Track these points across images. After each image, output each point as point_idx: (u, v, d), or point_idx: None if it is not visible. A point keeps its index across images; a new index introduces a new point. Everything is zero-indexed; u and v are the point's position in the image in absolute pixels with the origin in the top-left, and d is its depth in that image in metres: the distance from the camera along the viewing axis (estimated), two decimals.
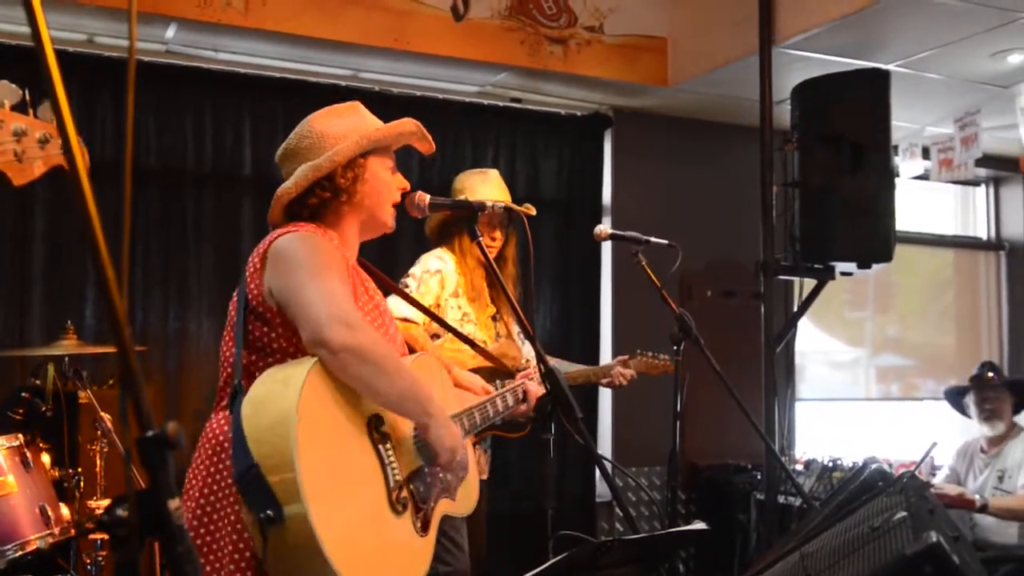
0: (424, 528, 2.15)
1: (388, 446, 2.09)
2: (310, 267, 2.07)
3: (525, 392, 2.74)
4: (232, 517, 1.98)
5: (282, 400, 1.88)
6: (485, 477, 3.59)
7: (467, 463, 2.41)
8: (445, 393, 2.42)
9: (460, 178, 3.73)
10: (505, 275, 3.59)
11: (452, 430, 2.14)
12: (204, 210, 4.69)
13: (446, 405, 2.32)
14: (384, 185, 2.32)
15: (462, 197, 3.54)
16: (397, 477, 2.08)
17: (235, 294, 2.21)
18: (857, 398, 6.69)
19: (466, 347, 3.05)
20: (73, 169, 1.08)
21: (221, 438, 2.04)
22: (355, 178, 2.25)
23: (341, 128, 2.27)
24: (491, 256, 3.49)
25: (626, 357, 3.80)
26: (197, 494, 2.06)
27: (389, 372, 2.01)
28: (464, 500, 2.40)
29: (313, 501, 1.81)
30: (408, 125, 2.35)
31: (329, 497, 1.87)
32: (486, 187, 3.62)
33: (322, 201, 2.23)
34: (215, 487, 2.03)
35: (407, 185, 2.40)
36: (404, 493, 2.09)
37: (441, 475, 2.27)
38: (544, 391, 2.38)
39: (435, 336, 3.39)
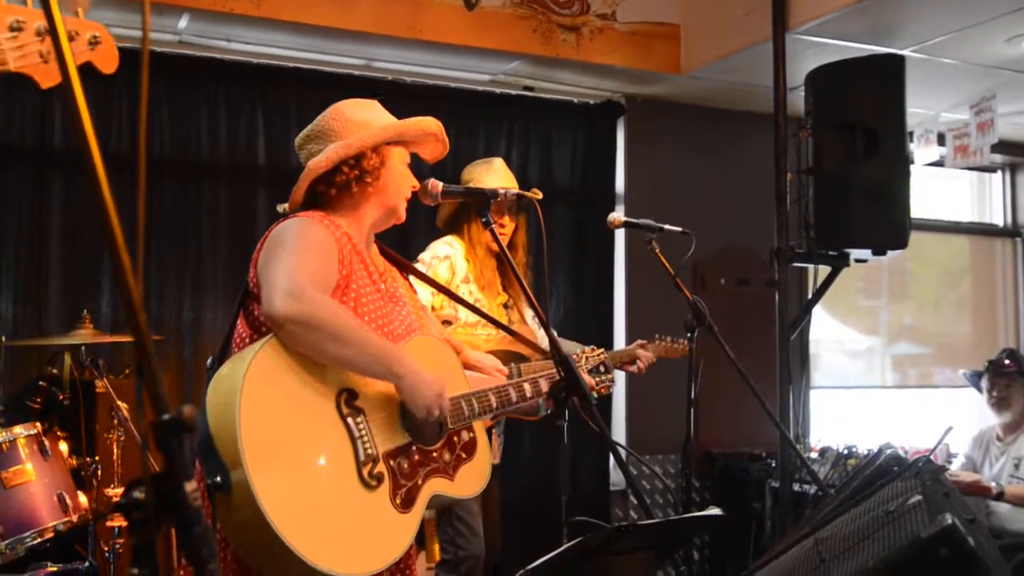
0: (406, 504, 2.13)
1: (360, 420, 2.09)
2: (285, 247, 2.13)
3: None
4: None
5: (235, 373, 1.94)
6: (497, 462, 3.60)
7: (474, 446, 2.40)
8: (450, 375, 2.36)
9: (466, 170, 3.78)
10: (516, 262, 3.61)
11: (427, 389, 2.12)
12: (218, 200, 4.71)
13: (450, 387, 2.29)
14: (402, 177, 2.39)
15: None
16: (369, 451, 2.07)
17: None
18: (872, 386, 6.66)
19: (479, 332, 3.06)
20: (88, 158, 1.09)
21: None
22: (380, 163, 2.32)
23: (366, 117, 2.36)
24: (502, 241, 3.50)
25: (644, 341, 3.80)
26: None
27: (342, 338, 2.03)
28: (468, 481, 2.35)
29: (255, 466, 1.84)
30: (431, 124, 2.41)
31: (276, 463, 1.90)
32: (492, 176, 3.66)
33: (347, 180, 2.28)
34: None
35: (416, 184, 2.46)
36: (379, 468, 2.08)
37: (435, 454, 2.26)
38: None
39: (447, 322, 3.40)
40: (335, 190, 2.29)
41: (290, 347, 2.01)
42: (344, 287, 2.18)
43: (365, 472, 2.05)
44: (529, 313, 3.67)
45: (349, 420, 2.06)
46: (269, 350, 1.99)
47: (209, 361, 2.17)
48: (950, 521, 1.32)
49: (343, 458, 2.02)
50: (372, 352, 2.08)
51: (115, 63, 1.42)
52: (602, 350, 3.34)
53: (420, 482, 2.19)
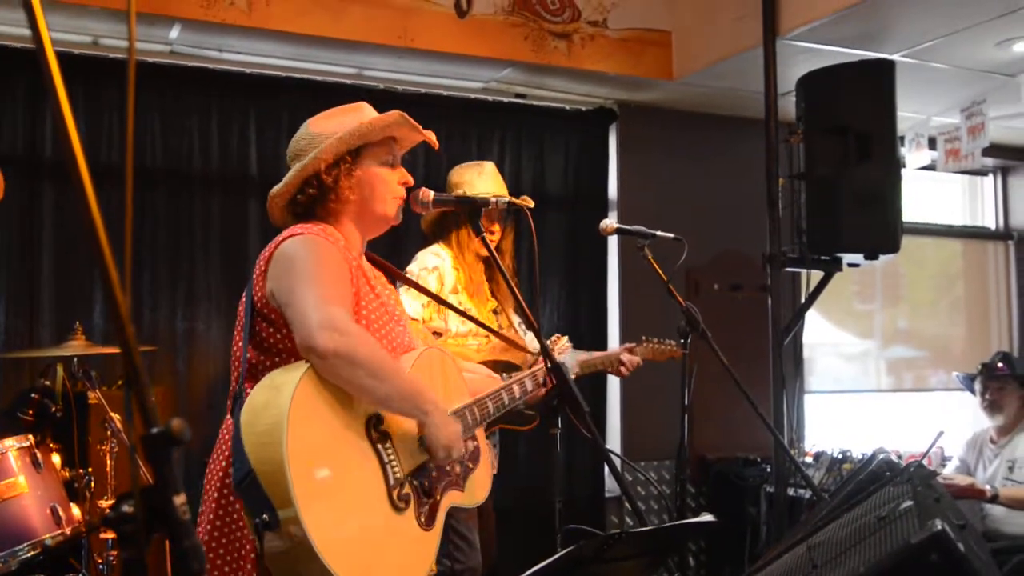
0: (429, 520, 2.17)
1: (388, 445, 2.11)
2: (305, 271, 2.10)
3: (546, 377, 2.72)
4: None
5: (275, 407, 1.92)
6: (494, 472, 3.60)
7: (478, 454, 2.42)
8: (451, 386, 2.41)
9: (456, 172, 3.71)
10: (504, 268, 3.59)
11: (447, 429, 2.15)
12: (210, 211, 4.70)
13: (452, 398, 2.33)
14: (377, 181, 2.32)
15: (460, 191, 3.55)
16: (398, 475, 2.10)
17: (243, 295, 2.23)
18: (867, 390, 6.67)
19: (470, 342, 3.05)
20: (75, 171, 1.09)
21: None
22: (340, 176, 2.27)
23: (335, 127, 2.30)
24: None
25: (632, 344, 3.79)
26: (216, 494, 2.09)
27: (379, 374, 2.03)
28: (474, 491, 2.41)
29: (305, 504, 1.84)
30: (391, 116, 2.34)
31: (323, 499, 1.90)
32: (483, 180, 3.61)
33: (311, 199, 2.27)
34: (230, 493, 2.06)
35: (410, 180, 2.41)
36: (406, 490, 2.11)
37: (448, 467, 2.29)
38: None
39: (437, 334, 3.39)
40: (302, 210, 2.28)
41: (326, 378, 2.00)
42: (356, 307, 2.18)
43: (395, 495, 2.08)
44: (517, 319, 3.67)
45: (378, 446, 2.09)
46: (309, 381, 1.98)
47: (239, 388, 2.14)
48: (940, 527, 1.32)
49: (377, 485, 2.05)
50: (402, 390, 2.09)
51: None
52: (565, 338, 3.33)
53: (439, 497, 2.23)
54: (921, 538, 1.33)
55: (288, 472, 1.83)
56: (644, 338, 3.81)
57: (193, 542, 1.12)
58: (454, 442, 2.17)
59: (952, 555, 1.32)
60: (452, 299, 3.48)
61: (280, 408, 1.90)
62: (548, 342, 3.11)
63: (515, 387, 2.59)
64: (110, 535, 3.52)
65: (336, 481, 1.96)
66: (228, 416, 2.18)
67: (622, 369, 3.73)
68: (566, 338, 3.33)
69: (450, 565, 3.38)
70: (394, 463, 2.10)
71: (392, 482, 2.08)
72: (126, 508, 1.11)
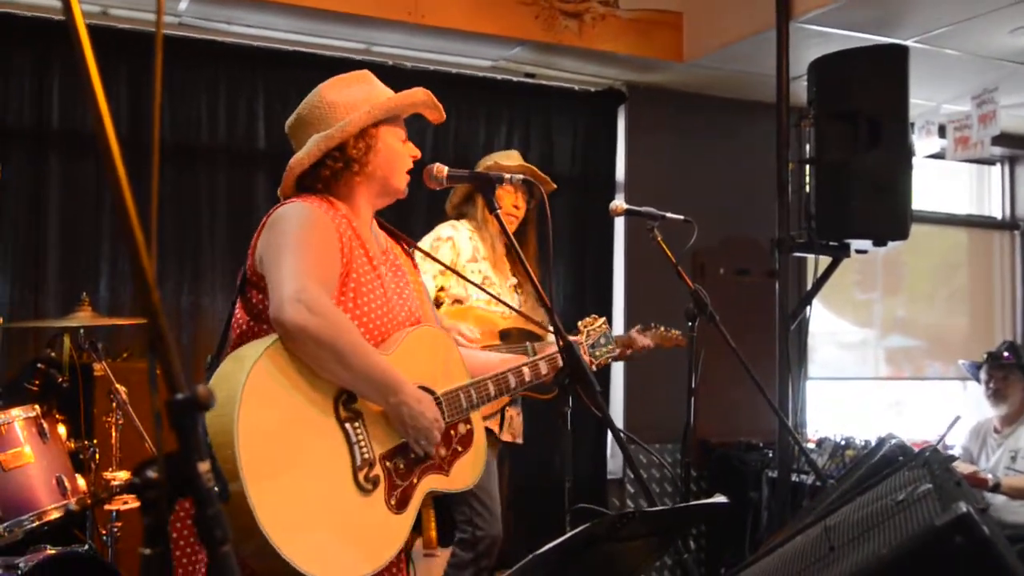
0: (401, 504, 2.12)
1: (357, 424, 2.07)
2: (290, 240, 2.08)
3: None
4: None
5: (233, 380, 1.90)
6: (520, 442, 3.63)
7: (471, 439, 2.37)
8: (450, 366, 2.35)
9: (484, 160, 3.86)
10: (526, 252, 3.64)
11: (418, 421, 2.11)
12: (218, 184, 4.69)
13: (450, 377, 2.29)
14: (396, 154, 2.32)
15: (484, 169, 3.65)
16: (366, 455, 2.06)
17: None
18: (865, 377, 6.68)
19: (495, 308, 3.04)
20: (104, 142, 1.08)
21: None
22: (367, 148, 2.26)
23: (351, 97, 2.28)
24: (513, 225, 3.53)
25: (641, 327, 3.81)
26: None
27: (344, 359, 1.99)
28: (462, 475, 2.33)
29: (252, 480, 1.83)
30: (418, 95, 2.35)
31: (274, 478, 1.88)
32: (508, 162, 3.73)
33: (334, 172, 2.24)
34: None
35: (418, 154, 2.41)
36: (375, 471, 2.07)
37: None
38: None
39: (458, 300, 3.42)
40: (321, 183, 2.25)
41: (292, 351, 1.98)
42: (344, 276, 2.15)
43: (361, 477, 2.03)
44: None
45: (347, 425, 2.05)
46: (273, 355, 1.96)
47: (208, 360, 2.14)
48: (965, 509, 1.32)
49: (339, 465, 2.02)
50: (369, 376, 2.05)
51: None
52: (603, 319, 3.21)
53: (416, 481, 2.18)
54: (946, 520, 1.33)
55: (237, 447, 1.82)
56: (652, 324, 3.83)
57: (217, 510, 1.12)
58: (425, 431, 2.12)
59: (977, 537, 1.31)
60: (471, 267, 3.51)
61: (237, 382, 1.88)
62: (585, 321, 3.08)
63: (526, 369, 2.50)
64: (115, 506, 3.52)
65: (291, 459, 1.93)
66: None
67: (628, 351, 3.75)
68: (603, 320, 3.16)
69: (471, 531, 3.40)
70: (363, 443, 2.06)
71: (359, 462, 2.03)
72: (150, 473, 1.11)
